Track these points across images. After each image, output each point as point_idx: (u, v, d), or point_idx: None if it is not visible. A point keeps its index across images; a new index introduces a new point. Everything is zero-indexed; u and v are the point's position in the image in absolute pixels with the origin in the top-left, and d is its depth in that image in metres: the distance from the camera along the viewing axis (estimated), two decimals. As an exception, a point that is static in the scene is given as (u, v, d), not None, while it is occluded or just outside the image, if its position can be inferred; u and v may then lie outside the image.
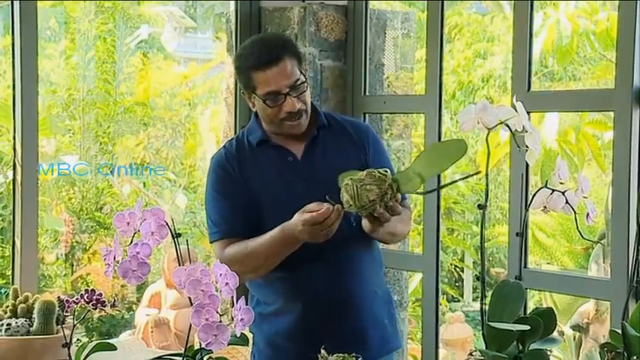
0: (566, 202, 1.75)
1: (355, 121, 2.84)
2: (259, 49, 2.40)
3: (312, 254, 2.36)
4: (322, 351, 1.92)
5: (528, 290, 3.24)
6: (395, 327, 2.60)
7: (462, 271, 8.08)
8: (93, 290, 1.75)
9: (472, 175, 1.96)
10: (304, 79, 2.40)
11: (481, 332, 1.73)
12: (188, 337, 1.66)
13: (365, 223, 2.25)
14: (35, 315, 2.39)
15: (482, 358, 1.74)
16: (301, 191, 2.39)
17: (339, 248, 2.37)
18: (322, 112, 2.54)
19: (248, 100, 2.46)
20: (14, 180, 3.34)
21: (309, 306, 2.45)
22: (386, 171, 2.05)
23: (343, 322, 2.44)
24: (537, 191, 1.78)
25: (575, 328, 5.69)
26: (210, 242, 2.51)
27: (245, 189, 2.45)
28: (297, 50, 2.43)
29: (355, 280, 2.46)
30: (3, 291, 5.61)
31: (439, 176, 3.27)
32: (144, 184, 7.18)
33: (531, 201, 1.78)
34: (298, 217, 2.22)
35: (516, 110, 1.68)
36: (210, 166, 2.54)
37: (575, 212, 1.75)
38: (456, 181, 1.83)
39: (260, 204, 2.44)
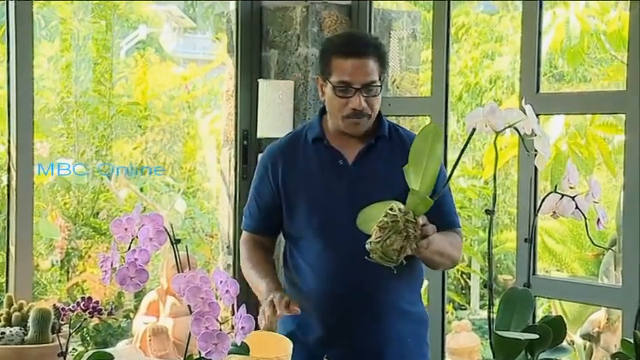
0: (577, 207, 1.71)
1: None
2: (350, 38, 2.51)
3: (346, 263, 2.35)
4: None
5: (537, 298, 3.22)
6: (421, 348, 2.54)
7: (469, 278, 7.99)
8: (89, 298, 1.74)
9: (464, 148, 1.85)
10: (379, 85, 2.40)
11: (488, 341, 1.71)
12: (187, 346, 1.63)
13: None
14: (30, 323, 2.38)
15: (490, 367, 1.72)
16: (343, 196, 2.39)
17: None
18: (388, 122, 2.52)
19: (320, 88, 2.47)
20: (9, 185, 3.33)
21: (331, 310, 2.42)
22: (391, 208, 1.96)
23: (363, 332, 2.41)
24: (546, 196, 1.74)
25: (586, 337, 5.63)
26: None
27: (277, 191, 2.47)
28: (385, 56, 2.45)
29: (385, 294, 2.41)
30: (-3, 298, 5.56)
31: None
32: (141, 189, 7.10)
33: (540, 206, 1.74)
34: (271, 295, 2.32)
35: (525, 113, 1.65)
36: (260, 157, 2.59)
37: (585, 218, 1.71)
38: (456, 164, 1.76)
39: (297, 201, 2.44)
